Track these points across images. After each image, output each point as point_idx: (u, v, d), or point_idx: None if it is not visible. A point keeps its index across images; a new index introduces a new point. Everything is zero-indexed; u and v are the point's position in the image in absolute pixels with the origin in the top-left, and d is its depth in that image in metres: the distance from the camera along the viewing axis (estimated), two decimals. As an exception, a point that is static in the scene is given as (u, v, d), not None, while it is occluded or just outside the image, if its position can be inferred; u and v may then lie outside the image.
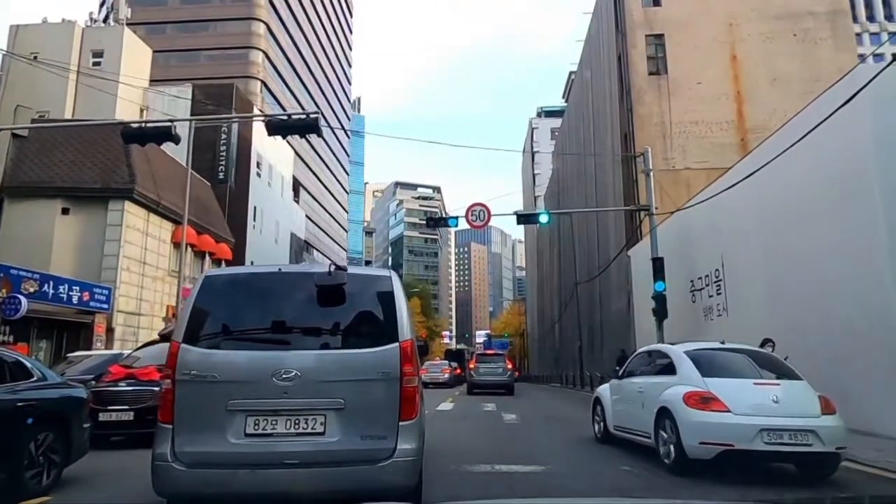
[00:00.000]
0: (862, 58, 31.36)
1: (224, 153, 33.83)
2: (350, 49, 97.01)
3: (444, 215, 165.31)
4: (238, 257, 34.22)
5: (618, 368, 9.22)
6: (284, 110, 61.88)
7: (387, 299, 4.49)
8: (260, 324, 4.44)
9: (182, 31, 59.58)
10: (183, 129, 34.93)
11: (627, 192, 26.92)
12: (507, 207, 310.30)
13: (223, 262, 26.27)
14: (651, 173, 18.67)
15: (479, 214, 19.02)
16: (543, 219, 18.61)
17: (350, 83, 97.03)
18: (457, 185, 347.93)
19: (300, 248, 49.27)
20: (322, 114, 72.40)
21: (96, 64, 32.83)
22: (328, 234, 75.66)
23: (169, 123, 13.03)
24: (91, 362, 11.92)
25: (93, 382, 8.75)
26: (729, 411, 6.16)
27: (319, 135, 12.99)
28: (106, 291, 18.27)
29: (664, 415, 6.71)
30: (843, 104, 8.88)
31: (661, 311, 17.21)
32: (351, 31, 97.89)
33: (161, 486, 4.01)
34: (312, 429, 4.06)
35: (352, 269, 4.68)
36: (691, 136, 26.32)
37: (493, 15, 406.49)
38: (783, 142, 11.07)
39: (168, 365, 4.18)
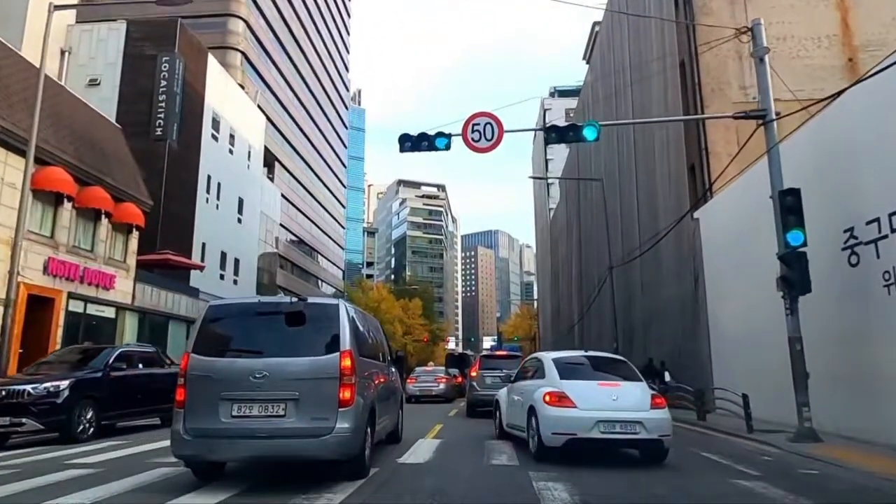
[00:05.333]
0: None
1: (163, 104, 26.78)
2: (348, 33, 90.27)
3: (449, 213, 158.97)
4: (184, 233, 27.18)
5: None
6: (268, 86, 55.19)
7: (334, 321, 6.31)
8: (243, 339, 6.45)
9: (153, -3, 52.96)
10: (109, 72, 28.16)
11: (689, 136, 19.70)
12: (517, 213, 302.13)
13: (133, 229, 19.10)
14: (766, 58, 11.41)
15: (485, 130, 11.82)
16: (589, 134, 11.41)
17: (347, 69, 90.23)
18: (462, 188, 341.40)
19: (272, 232, 42.06)
20: (314, 96, 65.14)
21: (1, -10, 25.91)
22: (322, 230, 68.50)
23: None
24: None
25: None
26: (576, 407, 7.44)
27: None
28: None
29: (532, 412, 7.95)
30: None
31: (799, 280, 9.95)
32: (349, 15, 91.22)
33: (174, 450, 5.95)
34: (276, 413, 5.83)
35: (310, 299, 6.68)
36: (778, 57, 18.78)
37: (503, 19, 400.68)
38: None
39: (182, 367, 6.09)
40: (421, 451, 8.44)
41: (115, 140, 19.61)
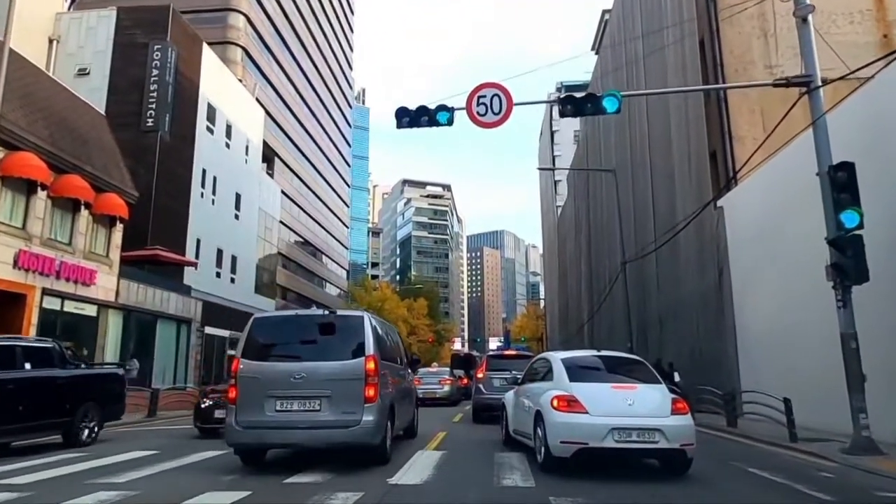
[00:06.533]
0: None
1: (154, 94, 25.63)
2: (351, 31, 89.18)
3: (454, 213, 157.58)
4: (177, 228, 26.04)
5: None
6: (269, 82, 54.08)
7: (359, 330, 7.32)
8: (284, 346, 7.47)
9: (152, -9, 51.89)
10: (99, 61, 27.07)
11: (711, 121, 18.36)
12: (523, 214, 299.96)
13: (117, 221, 17.93)
14: (810, 17, 10.10)
15: (492, 103, 10.57)
16: (610, 105, 10.14)
17: (351, 67, 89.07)
18: (467, 189, 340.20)
19: (272, 229, 40.89)
20: (316, 92, 63.94)
21: (-15, -25, 24.82)
22: (325, 228, 67.27)
23: None
24: None
25: None
26: (587, 412, 6.58)
27: None
28: None
29: (539, 417, 7.16)
30: None
31: (854, 267, 8.67)
32: (352, 12, 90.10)
33: (229, 439, 6.99)
34: (312, 408, 6.84)
35: (339, 312, 7.89)
36: None
37: (508, 16, 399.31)
38: None
39: (233, 370, 7.16)
40: (419, 466, 7.19)
41: (97, 127, 18.43)
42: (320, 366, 6.97)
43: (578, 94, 11.69)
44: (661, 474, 6.83)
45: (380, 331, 8.03)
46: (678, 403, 6.83)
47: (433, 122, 10.66)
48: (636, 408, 6.64)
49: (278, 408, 6.81)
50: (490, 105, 10.58)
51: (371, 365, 6.99)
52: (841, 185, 8.89)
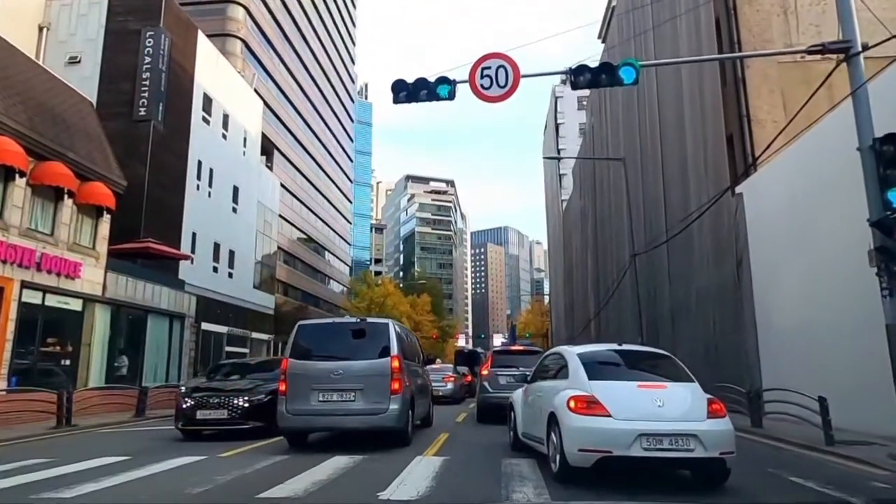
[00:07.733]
0: None
1: (147, 82, 24.76)
2: (353, 24, 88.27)
3: (458, 209, 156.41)
4: (171, 221, 25.22)
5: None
6: (269, 75, 53.25)
7: (385, 334, 8.85)
8: (324, 347, 8.96)
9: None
10: (90, 48, 26.25)
11: (727, 103, 17.40)
12: (527, 211, 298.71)
13: (104, 211, 17.07)
14: (849, -22, 9.14)
15: (497, 75, 9.68)
16: (627, 76, 9.21)
17: (353, 62, 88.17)
18: (471, 185, 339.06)
19: (271, 224, 39.99)
20: (318, 86, 62.92)
21: (-28, -40, 23.98)
22: (326, 223, 66.47)
23: None
24: None
25: None
26: (609, 416, 5.75)
27: None
28: None
29: (553, 420, 6.37)
30: None
31: (904, 251, 7.74)
32: (354, 5, 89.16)
33: (280, 423, 8.50)
34: (348, 399, 8.34)
35: (368, 319, 9.74)
36: (831, 10, 16.68)
37: (514, 16, 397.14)
38: None
39: (283, 367, 8.68)
40: (415, 475, 6.31)
41: (82, 114, 17.56)
42: (354, 364, 8.46)
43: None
44: (695, 486, 5.95)
45: (402, 334, 9.60)
46: (714, 405, 5.93)
47: (433, 96, 9.75)
48: (667, 410, 5.76)
49: (321, 399, 8.29)
50: (495, 77, 9.68)
51: (395, 363, 8.44)
52: (888, 159, 7.96)
